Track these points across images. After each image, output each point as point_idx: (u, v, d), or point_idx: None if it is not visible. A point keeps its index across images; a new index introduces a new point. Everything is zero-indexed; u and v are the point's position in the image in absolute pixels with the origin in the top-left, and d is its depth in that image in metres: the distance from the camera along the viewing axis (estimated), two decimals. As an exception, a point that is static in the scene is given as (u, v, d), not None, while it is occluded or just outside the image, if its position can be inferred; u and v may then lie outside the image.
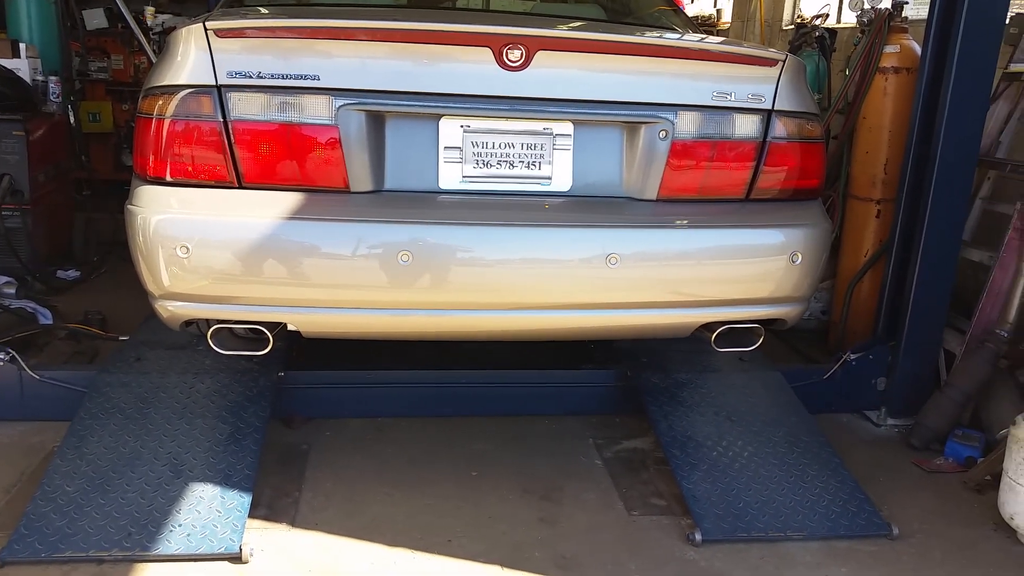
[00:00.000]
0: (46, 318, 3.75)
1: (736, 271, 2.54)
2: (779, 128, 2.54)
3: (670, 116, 2.46)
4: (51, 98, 4.68)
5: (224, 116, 2.27)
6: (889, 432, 3.35)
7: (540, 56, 2.33)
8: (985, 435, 3.10)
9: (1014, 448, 2.61)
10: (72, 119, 5.01)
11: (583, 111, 2.44)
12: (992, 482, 2.81)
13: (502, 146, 2.44)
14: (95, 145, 6.58)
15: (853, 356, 3.38)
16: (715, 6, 7.88)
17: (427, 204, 2.41)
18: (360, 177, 2.37)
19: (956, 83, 3.08)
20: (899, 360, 3.33)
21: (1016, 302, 3.16)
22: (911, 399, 3.33)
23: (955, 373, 3.22)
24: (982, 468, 2.91)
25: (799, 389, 3.20)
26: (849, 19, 4.56)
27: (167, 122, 2.27)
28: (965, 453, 3.05)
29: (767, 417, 3.00)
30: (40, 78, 4.63)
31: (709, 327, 2.61)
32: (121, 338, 3.46)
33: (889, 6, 3.83)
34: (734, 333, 2.64)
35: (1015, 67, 3.57)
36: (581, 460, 2.95)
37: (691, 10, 8.00)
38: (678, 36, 2.96)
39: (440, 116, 2.39)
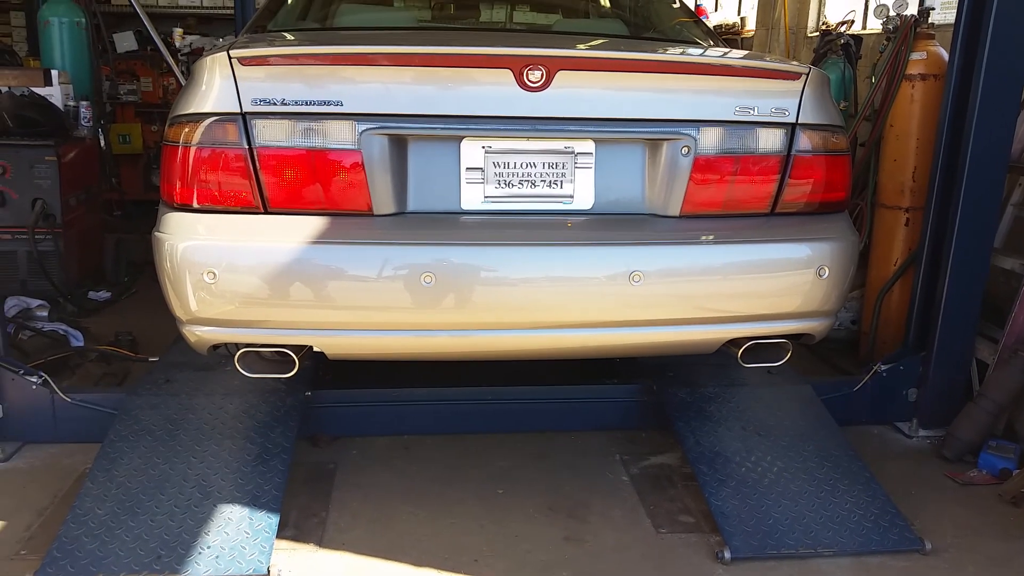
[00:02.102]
0: (78, 340, 3.81)
1: (762, 286, 2.52)
2: (804, 141, 2.52)
3: (692, 132, 2.45)
4: (82, 122, 4.78)
5: (249, 143, 2.30)
6: (921, 444, 3.30)
7: (560, 76, 2.33)
8: (1020, 446, 3.05)
9: (1050, 461, 2.56)
10: (103, 142, 5.11)
11: (604, 129, 2.44)
12: (1029, 495, 2.76)
13: (523, 166, 2.44)
14: (125, 166, 6.70)
15: (884, 367, 3.33)
16: (739, 14, 7.85)
17: (449, 225, 2.42)
18: (383, 200, 2.38)
19: (985, 89, 3.04)
20: (930, 371, 3.28)
21: (1050, 311, 3.11)
22: (943, 410, 3.28)
23: (988, 383, 3.17)
24: (1017, 480, 2.86)
25: (829, 401, 3.16)
26: (875, 25, 4.53)
27: (193, 150, 2.30)
28: (1000, 465, 3.00)
29: (796, 431, 2.97)
30: (72, 103, 4.72)
31: (735, 343, 2.59)
32: (151, 359, 3.52)
33: (915, 13, 3.79)
34: (761, 348, 2.62)
35: (1045, 71, 3.51)
36: (607, 477, 2.94)
37: (715, 18, 7.98)
38: (699, 51, 2.95)
39: (462, 138, 2.40)
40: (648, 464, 3.04)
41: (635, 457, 3.07)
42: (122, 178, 6.37)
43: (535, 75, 2.31)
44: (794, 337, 2.64)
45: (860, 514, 2.60)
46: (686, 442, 2.85)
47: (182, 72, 5.91)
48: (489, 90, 2.36)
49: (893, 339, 3.69)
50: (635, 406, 3.25)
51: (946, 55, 3.43)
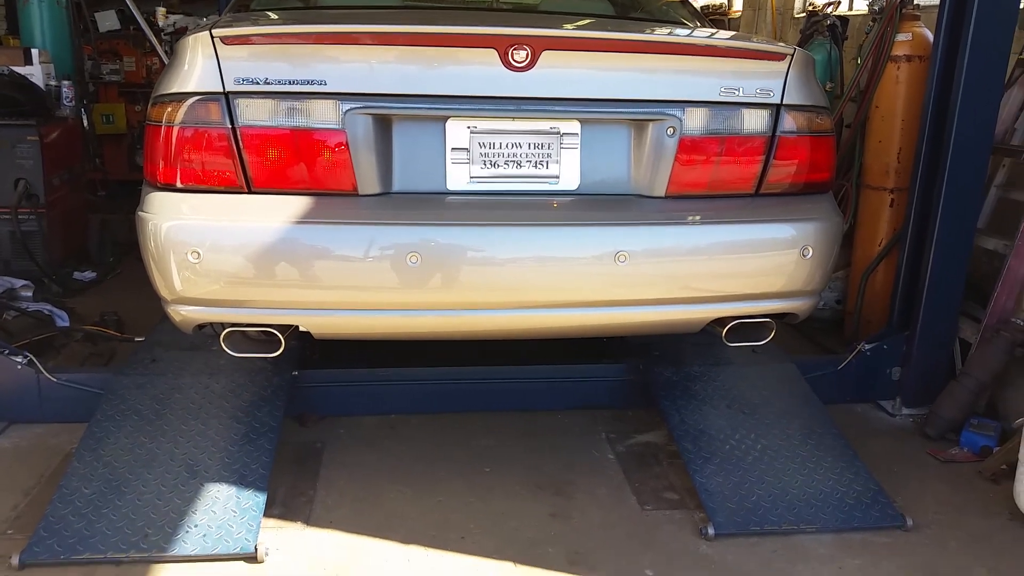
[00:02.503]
0: (63, 320, 3.79)
1: (746, 266, 2.53)
2: (788, 122, 2.52)
3: (677, 113, 2.45)
4: (64, 102, 4.73)
5: (232, 122, 2.29)
6: (904, 422, 3.33)
7: (546, 56, 2.32)
8: (1001, 424, 3.09)
9: (1029, 438, 2.60)
10: (85, 122, 5.07)
11: (590, 110, 2.44)
12: (1008, 472, 2.80)
13: (509, 146, 2.44)
14: (109, 146, 6.64)
15: (868, 346, 3.37)
16: (726, -6, 7.82)
17: (435, 205, 2.42)
18: (368, 180, 2.38)
19: (969, 70, 3.05)
20: (914, 350, 3.31)
21: (1031, 291, 3.14)
22: (926, 389, 3.31)
23: (970, 362, 3.21)
24: (998, 458, 2.90)
25: (813, 380, 3.20)
26: (861, 6, 4.53)
27: (176, 129, 2.28)
28: (981, 443, 3.04)
29: (780, 409, 3.00)
30: (53, 83, 4.67)
31: (720, 322, 2.61)
32: (137, 339, 3.51)
33: (901, -7, 3.79)
34: (746, 327, 2.64)
35: (1029, 53, 3.53)
36: (593, 455, 2.96)
37: (702, -1, 7.94)
38: (685, 32, 2.95)
39: (447, 118, 2.39)
40: (634, 442, 3.06)
41: (621, 435, 3.10)
42: (106, 158, 6.32)
43: (520, 55, 2.31)
44: (778, 316, 2.66)
45: (843, 491, 2.63)
46: (671, 420, 2.88)
47: (165, 52, 5.84)
48: (474, 70, 2.35)
49: (877, 319, 3.72)
50: (621, 385, 3.27)
51: (931, 36, 3.43)
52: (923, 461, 3.03)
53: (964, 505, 2.74)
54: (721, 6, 7.67)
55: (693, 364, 3.18)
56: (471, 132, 2.42)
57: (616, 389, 3.28)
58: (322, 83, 2.29)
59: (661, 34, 2.77)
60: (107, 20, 7.82)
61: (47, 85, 4.61)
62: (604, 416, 3.23)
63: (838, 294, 4.11)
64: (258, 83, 2.27)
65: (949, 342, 3.35)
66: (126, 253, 4.95)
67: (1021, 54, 3.55)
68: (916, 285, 3.31)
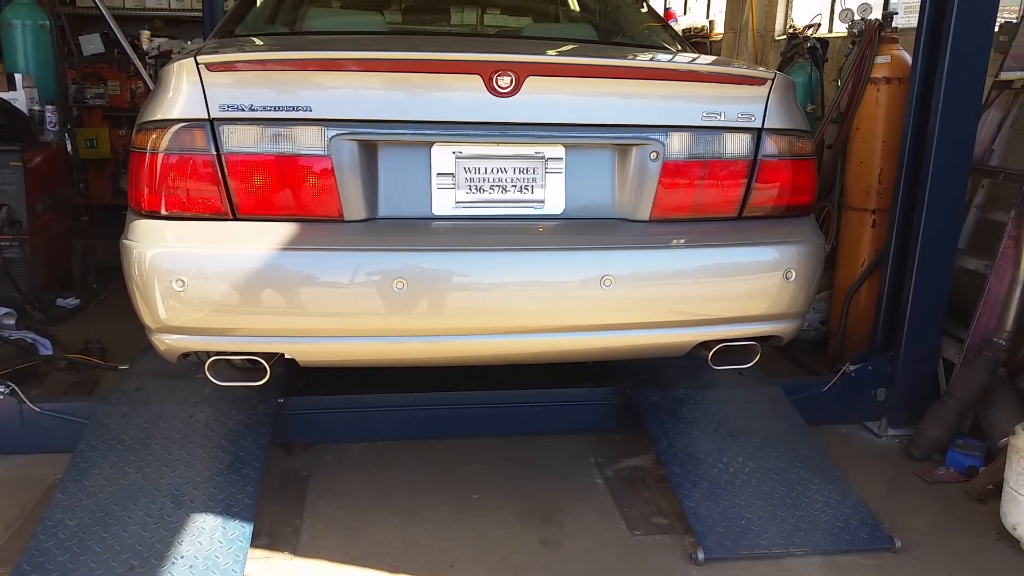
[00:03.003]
0: (46, 348, 3.75)
1: (730, 289, 2.55)
2: (770, 146, 2.55)
3: (660, 137, 2.47)
4: (48, 127, 4.71)
5: (217, 149, 2.29)
6: (890, 443, 3.35)
7: (530, 82, 2.34)
8: (986, 444, 3.10)
9: (1014, 458, 2.61)
10: (69, 147, 5.04)
11: (574, 135, 2.45)
12: (994, 491, 2.81)
13: (494, 171, 2.45)
14: (93, 171, 6.61)
15: (852, 367, 3.38)
16: (708, 18, 7.91)
17: (421, 231, 2.42)
18: (354, 206, 2.38)
19: (947, 92, 3.09)
20: (898, 370, 3.33)
21: (1013, 310, 3.17)
22: (911, 409, 3.33)
23: (954, 382, 3.23)
24: (984, 478, 2.91)
25: (799, 401, 3.21)
26: (841, 29, 4.58)
27: (161, 156, 2.28)
28: (966, 463, 3.05)
29: (767, 432, 3.00)
30: (37, 108, 4.65)
31: (706, 345, 2.62)
32: (121, 367, 3.47)
33: (879, 17, 3.85)
34: (731, 350, 2.65)
35: (1006, 75, 3.58)
36: (582, 479, 2.95)
37: (684, 22, 8.04)
38: (667, 56, 2.98)
39: (432, 143, 2.40)
40: (622, 467, 3.05)
41: (609, 460, 3.09)
42: (90, 183, 6.30)
43: (504, 81, 2.32)
44: (763, 339, 2.68)
45: (831, 513, 2.63)
46: (659, 444, 2.88)
47: (150, 75, 5.83)
48: (459, 96, 2.36)
49: (861, 339, 3.74)
50: (608, 409, 3.27)
51: (910, 59, 3.49)
52: (910, 482, 3.04)
53: (951, 525, 2.75)
54: (703, 29, 7.77)
55: (679, 387, 3.19)
56: (456, 157, 2.43)
57: (604, 413, 3.27)
58: (307, 109, 2.29)
59: (643, 60, 2.80)
60: (91, 44, 7.80)
61: (31, 110, 4.59)
62: (592, 440, 3.22)
63: (822, 315, 4.14)
64: (243, 109, 2.27)
65: (933, 362, 3.37)
66: (110, 279, 4.91)
67: (997, 76, 3.60)
68: (899, 306, 3.33)
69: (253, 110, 2.27)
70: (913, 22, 3.32)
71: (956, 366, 3.29)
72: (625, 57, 2.81)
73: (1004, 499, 2.65)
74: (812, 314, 4.08)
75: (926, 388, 3.36)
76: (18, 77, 4.52)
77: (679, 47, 3.25)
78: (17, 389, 2.91)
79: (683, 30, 7.92)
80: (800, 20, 6.34)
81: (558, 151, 2.47)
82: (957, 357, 3.31)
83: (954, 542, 2.65)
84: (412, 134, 2.38)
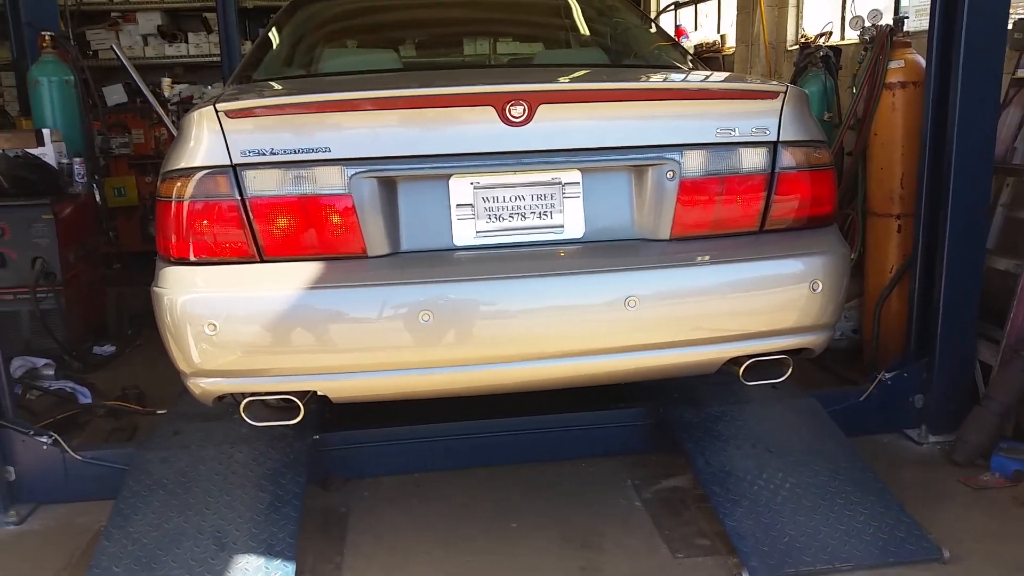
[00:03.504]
0: (85, 397, 3.82)
1: (757, 303, 2.53)
2: (786, 158, 2.55)
3: (676, 156, 2.48)
4: (76, 179, 4.80)
5: (241, 194, 2.33)
6: (932, 450, 3.29)
7: (542, 110, 2.36)
8: (1031, 446, 3.05)
9: (1060, 460, 2.56)
10: (98, 196, 5.13)
11: (589, 159, 2.47)
12: (1043, 495, 2.76)
13: (512, 199, 2.47)
14: (122, 219, 6.72)
15: (887, 375, 3.34)
16: (719, 32, 7.92)
17: (443, 262, 2.44)
18: (376, 241, 2.41)
19: (964, 92, 3.08)
20: (934, 376, 3.29)
21: (1048, 308, 3.12)
22: (951, 414, 3.28)
23: (993, 385, 3.18)
24: (1030, 481, 2.86)
25: (836, 413, 3.17)
26: (853, 36, 4.58)
27: (186, 204, 2.33)
28: (1012, 467, 3.00)
29: (806, 445, 2.97)
30: (65, 161, 4.75)
31: (736, 361, 2.60)
32: (159, 412, 3.52)
33: (890, 22, 3.84)
34: (762, 365, 2.63)
35: (1023, 73, 3.55)
36: (620, 503, 2.94)
37: (696, 37, 8.05)
38: (678, 75, 3.00)
39: (450, 175, 2.43)
40: (660, 488, 3.03)
41: (647, 481, 3.07)
42: (119, 230, 6.39)
43: (517, 110, 2.35)
44: (794, 352, 2.66)
45: (875, 525, 2.59)
46: (696, 463, 2.86)
47: (172, 122, 5.95)
48: (473, 128, 2.39)
49: (896, 346, 3.70)
50: (642, 429, 3.25)
51: (923, 62, 3.47)
52: (955, 489, 2.99)
53: (1001, 533, 2.70)
54: (715, 43, 7.78)
55: (713, 404, 3.17)
56: (474, 188, 2.45)
57: (638, 433, 3.26)
58: (326, 150, 2.33)
59: (654, 80, 2.81)
60: (115, 94, 7.98)
61: (59, 163, 4.69)
62: (628, 462, 3.20)
63: (854, 323, 4.10)
64: (264, 154, 2.32)
65: (969, 366, 3.33)
66: (144, 324, 4.97)
67: (1014, 73, 3.57)
68: (930, 310, 3.29)
69: (274, 154, 2.32)
70: (925, 24, 3.30)
71: (994, 368, 3.24)
72: (636, 79, 2.82)
73: (1052, 502, 2.60)
74: (844, 322, 4.05)
75: (964, 392, 3.31)
76: (46, 132, 4.63)
77: (690, 65, 3.26)
78: (59, 439, 2.96)
79: (695, 46, 7.94)
80: (811, 29, 6.34)
81: (574, 176, 2.48)
82: (994, 359, 3.26)
83: (1005, 549, 2.60)
84: (430, 168, 2.41)
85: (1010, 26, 3.24)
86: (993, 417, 3.09)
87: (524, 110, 2.35)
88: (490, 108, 2.35)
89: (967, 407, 3.21)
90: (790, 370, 2.66)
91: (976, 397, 3.28)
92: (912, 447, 3.33)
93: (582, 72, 3.10)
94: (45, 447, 2.94)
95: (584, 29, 3.91)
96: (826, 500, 2.69)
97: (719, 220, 2.57)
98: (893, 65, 3.71)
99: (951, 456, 3.16)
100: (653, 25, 4.02)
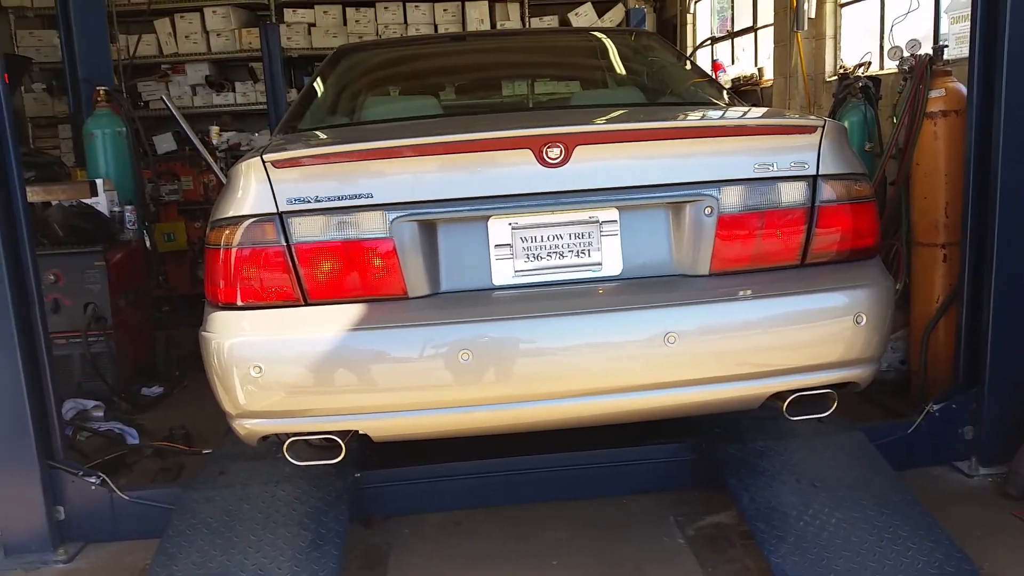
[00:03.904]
0: (133, 437, 3.91)
1: (799, 338, 2.52)
2: (827, 192, 2.54)
3: (713, 192, 2.49)
4: (128, 226, 4.97)
5: (287, 240, 2.40)
6: (983, 482, 3.21)
7: (579, 151, 2.40)
8: (1088, 480, 2.95)
9: (1119, 494, 2.48)
10: (148, 243, 5.30)
11: (626, 197, 2.49)
12: (1102, 531, 2.67)
13: (550, 238, 2.50)
14: (171, 263, 6.90)
15: (936, 407, 3.27)
16: (756, 65, 7.93)
17: (483, 302, 2.47)
18: (417, 282, 2.45)
19: (1007, 119, 3.04)
20: (984, 406, 3.21)
21: (1101, 337, 3.04)
22: (1002, 446, 3.20)
23: (1046, 416, 3.10)
24: (1089, 517, 2.77)
25: (883, 446, 3.11)
26: (892, 65, 4.56)
27: (234, 251, 2.40)
28: (1068, 501, 2.91)
29: (852, 480, 2.91)
30: (117, 209, 4.92)
31: (779, 396, 2.58)
32: (204, 452, 3.59)
33: (929, 51, 3.82)
34: (806, 400, 2.60)
35: (1067, 97, 3.49)
36: (663, 540, 2.91)
37: (733, 71, 8.07)
38: (714, 113, 3.01)
39: (489, 217, 2.47)
40: (703, 524, 3.00)
41: (689, 518, 3.04)
42: (168, 274, 6.56)
43: (554, 152, 2.38)
44: (838, 386, 2.62)
45: (924, 560, 2.52)
46: (741, 499, 2.82)
47: (220, 168, 6.12)
48: (511, 170, 2.43)
49: (944, 376, 3.62)
50: (685, 465, 3.22)
51: (964, 90, 3.44)
52: (1007, 523, 2.90)
53: (1058, 569, 2.61)
54: (752, 77, 7.79)
55: (757, 439, 3.13)
56: (512, 228, 2.49)
57: (680, 469, 3.22)
58: (369, 196, 2.40)
59: (690, 118, 2.84)
60: (164, 143, 8.26)
61: (111, 211, 4.85)
62: (670, 499, 3.17)
63: (901, 354, 4.03)
64: (309, 201, 2.38)
65: (1020, 395, 3.24)
66: (191, 366, 5.09)
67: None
68: (978, 340, 3.23)
69: (319, 201, 2.38)
70: (964, 52, 3.28)
71: (1046, 399, 3.16)
72: (671, 117, 2.85)
73: (1113, 539, 2.51)
74: (891, 354, 3.98)
75: (1016, 423, 3.22)
76: (99, 183, 4.80)
77: (727, 101, 3.28)
78: (107, 479, 3.03)
79: (732, 79, 7.96)
80: (849, 60, 6.32)
81: (612, 214, 2.50)
82: (1047, 389, 3.18)
83: (1063, 587, 2.52)
84: (469, 210, 2.45)
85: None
86: (1047, 450, 3.01)
87: (561, 152, 2.39)
88: (527, 151, 2.40)
89: (1019, 438, 3.13)
90: (835, 404, 2.63)
91: (1029, 429, 3.20)
92: (963, 480, 3.24)
93: (618, 112, 3.13)
94: (94, 487, 3.01)
95: (620, 68, 3.96)
96: (874, 535, 2.63)
97: (759, 254, 2.56)
98: (934, 94, 3.68)
99: (1004, 489, 3.08)
100: (688, 62, 4.05)
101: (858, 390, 2.72)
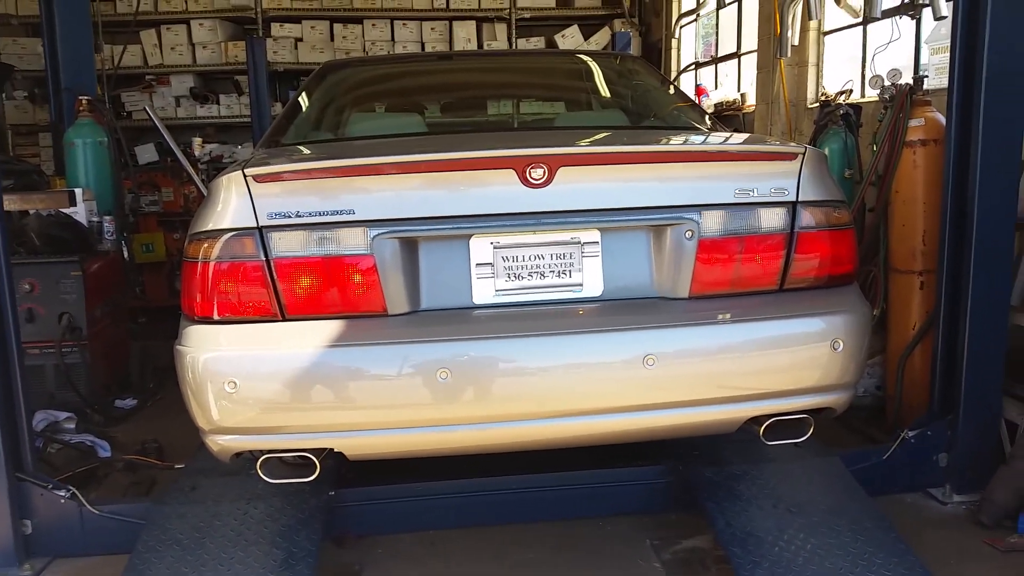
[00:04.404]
0: (105, 450, 3.85)
1: (776, 362, 2.53)
2: (806, 218, 2.56)
3: (694, 216, 2.50)
4: (106, 236, 4.92)
5: (266, 255, 2.38)
6: (957, 510, 3.22)
7: (562, 172, 2.40)
8: (1060, 508, 2.98)
9: (1090, 524, 2.50)
10: (126, 253, 5.24)
11: (608, 219, 2.50)
12: (1074, 560, 2.69)
13: (532, 258, 2.50)
14: (149, 274, 6.85)
15: (911, 433, 3.29)
16: (739, 90, 8.00)
17: (462, 320, 2.47)
18: (397, 300, 2.44)
19: (984, 150, 3.09)
20: (958, 434, 3.24)
21: (1074, 367, 3.07)
22: (976, 473, 3.22)
23: (1019, 443, 3.13)
24: (1061, 545, 2.79)
25: (859, 472, 3.12)
26: (873, 93, 4.63)
27: (212, 264, 2.38)
28: (1041, 529, 2.93)
29: (828, 505, 2.92)
30: (95, 219, 4.87)
31: (756, 421, 2.58)
32: (177, 466, 3.54)
33: (909, 81, 3.88)
34: (783, 425, 2.61)
35: (1043, 129, 3.55)
36: (639, 564, 2.89)
37: (716, 96, 8.13)
38: (696, 138, 3.03)
39: (470, 235, 2.47)
40: (680, 548, 2.99)
41: (666, 542, 3.02)
42: (146, 285, 6.51)
43: (537, 173, 2.39)
44: (815, 411, 2.63)
45: (898, 588, 2.53)
46: (717, 523, 2.81)
47: (202, 180, 6.09)
48: (494, 190, 2.43)
49: (920, 403, 3.64)
50: (662, 488, 3.21)
51: (943, 120, 3.49)
52: (980, 551, 2.92)
53: (1030, 598, 2.63)
54: (735, 102, 7.85)
55: (734, 463, 3.13)
56: (494, 247, 2.48)
57: (657, 492, 3.21)
58: (350, 212, 2.38)
59: (673, 142, 2.85)
60: (146, 153, 8.21)
61: (90, 221, 4.81)
62: (647, 522, 3.16)
63: (877, 380, 4.05)
64: (290, 216, 2.37)
65: (994, 424, 3.27)
66: (166, 378, 5.03)
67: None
68: (954, 368, 3.26)
69: (299, 216, 2.37)
70: (944, 82, 3.33)
71: (1020, 426, 3.19)
72: (654, 141, 2.87)
73: (1084, 568, 2.53)
74: (867, 379, 4.00)
75: (990, 451, 3.25)
76: (78, 192, 4.76)
77: (709, 126, 3.30)
78: (77, 493, 2.97)
79: (715, 104, 8.02)
80: (832, 87, 6.40)
81: (593, 235, 2.51)
82: (1020, 417, 3.21)
83: (1034, 616, 2.53)
84: (451, 228, 2.45)
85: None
86: (1020, 476, 3.03)
87: (544, 172, 2.40)
88: (511, 171, 2.40)
89: (993, 466, 3.16)
90: (811, 430, 2.63)
91: (1002, 456, 3.23)
92: (937, 507, 3.26)
93: (602, 134, 3.15)
94: (63, 500, 2.96)
95: (605, 91, 3.98)
96: (848, 561, 2.62)
97: (738, 279, 2.58)
98: (913, 123, 3.73)
99: (977, 516, 3.09)
100: (672, 87, 4.08)
101: (834, 415, 2.73)
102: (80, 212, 4.70)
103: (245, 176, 2.36)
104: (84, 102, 5.19)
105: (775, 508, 2.88)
